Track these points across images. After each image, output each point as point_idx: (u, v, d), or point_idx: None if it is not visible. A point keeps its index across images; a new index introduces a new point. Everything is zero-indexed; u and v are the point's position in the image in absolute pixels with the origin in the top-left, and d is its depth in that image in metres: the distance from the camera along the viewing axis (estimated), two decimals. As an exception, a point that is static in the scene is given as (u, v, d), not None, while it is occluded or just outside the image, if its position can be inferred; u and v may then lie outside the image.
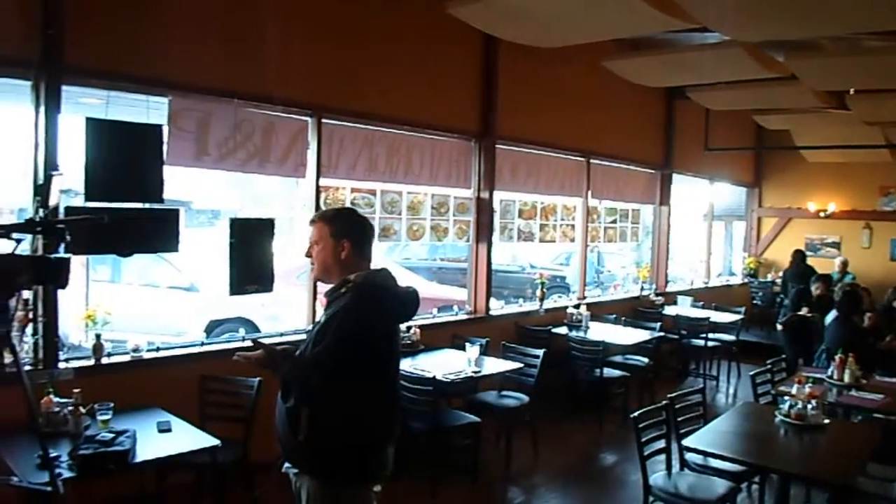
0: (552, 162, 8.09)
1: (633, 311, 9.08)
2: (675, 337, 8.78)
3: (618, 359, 7.46)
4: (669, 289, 10.44)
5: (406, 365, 5.36)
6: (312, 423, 2.63)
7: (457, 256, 12.36)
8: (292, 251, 7.55)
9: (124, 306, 6.30)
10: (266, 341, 2.80)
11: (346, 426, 2.64)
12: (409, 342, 5.99)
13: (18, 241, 2.67)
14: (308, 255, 2.89)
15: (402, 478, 4.78)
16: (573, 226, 8.65)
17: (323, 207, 5.60)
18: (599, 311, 8.30)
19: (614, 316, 8.25)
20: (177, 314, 7.90)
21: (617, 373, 7.08)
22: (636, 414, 4.27)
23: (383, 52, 6.01)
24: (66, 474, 3.18)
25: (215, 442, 3.75)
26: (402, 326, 5.93)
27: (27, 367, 4.02)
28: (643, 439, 4.24)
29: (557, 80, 7.73)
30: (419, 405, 5.04)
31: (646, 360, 7.51)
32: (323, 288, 5.52)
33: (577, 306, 8.00)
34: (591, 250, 10.88)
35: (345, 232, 2.80)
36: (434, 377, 5.03)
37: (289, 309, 6.95)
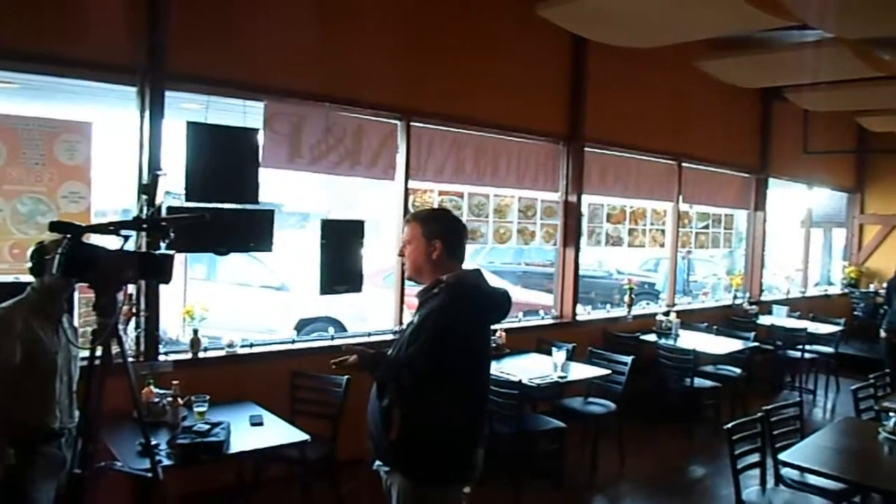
0: (642, 165, 7.92)
1: (726, 319, 8.79)
2: (770, 348, 8.44)
3: (709, 369, 7.22)
4: (764, 298, 10.05)
5: (492, 368, 5.32)
6: (404, 423, 2.65)
7: (542, 261, 12.27)
8: (379, 254, 7.67)
9: (219, 304, 6.53)
10: (353, 341, 2.84)
11: (437, 426, 2.65)
12: (494, 346, 5.97)
13: (126, 237, 2.80)
14: (401, 253, 2.91)
15: (486, 481, 4.76)
16: (663, 231, 8.44)
17: (412, 210, 5.66)
18: (689, 319, 8.06)
19: (705, 324, 8.00)
20: (268, 313, 8.12)
21: (708, 383, 6.85)
22: (730, 425, 4.11)
23: (471, 55, 6.02)
24: (165, 462, 3.31)
25: (305, 437, 3.83)
26: (488, 329, 5.96)
27: (130, 360, 4.21)
28: (736, 452, 4.08)
29: (648, 82, 7.57)
30: (504, 409, 5.01)
31: (738, 370, 7.25)
32: (410, 290, 5.64)
33: (666, 313, 7.80)
34: (681, 257, 10.62)
35: (437, 232, 2.81)
36: (520, 381, 4.99)
37: (376, 310, 7.04)
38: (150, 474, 2.99)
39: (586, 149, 7.09)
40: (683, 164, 8.42)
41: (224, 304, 7.44)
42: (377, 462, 2.83)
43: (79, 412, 3.07)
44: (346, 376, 4.56)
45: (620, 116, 7.40)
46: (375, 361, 2.72)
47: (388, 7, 5.45)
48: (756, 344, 7.56)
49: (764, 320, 8.93)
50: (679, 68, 7.52)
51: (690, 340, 7.19)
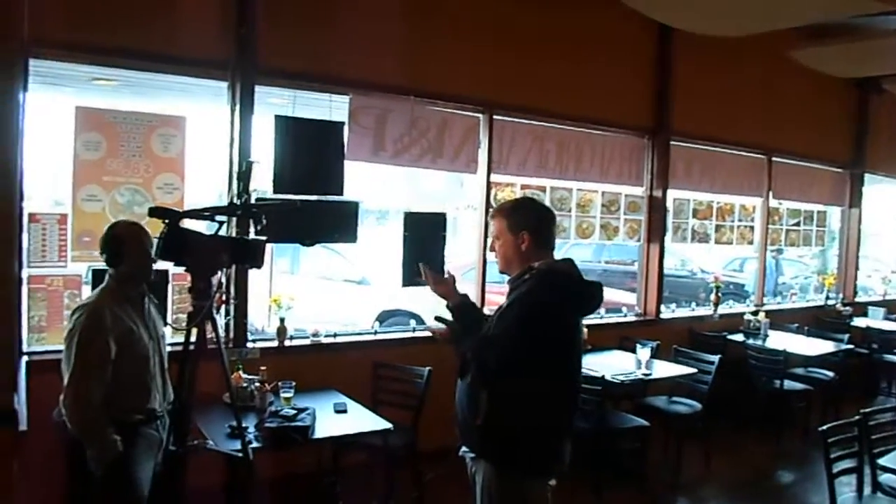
0: (730, 159, 7.67)
1: (817, 321, 8.39)
2: (865, 351, 8.04)
3: (799, 371, 6.94)
4: (858, 299, 9.58)
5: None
6: (491, 408, 2.62)
7: (622, 259, 12.03)
8: (460, 250, 7.69)
9: (302, 297, 6.67)
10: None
11: (523, 413, 2.61)
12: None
13: (221, 223, 2.88)
14: (492, 248, 2.90)
15: (566, 477, 4.74)
16: (752, 227, 8.15)
17: (494, 204, 5.64)
18: (778, 320, 7.73)
19: (795, 325, 7.68)
20: (349, 306, 8.25)
21: (798, 386, 6.58)
22: (824, 428, 3.93)
23: (554, 47, 5.95)
24: (254, 444, 3.39)
25: (387, 425, 3.87)
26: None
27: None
28: (831, 456, 3.89)
29: (736, 73, 7.32)
30: (585, 405, 4.93)
31: (830, 374, 6.94)
32: (490, 287, 5.63)
33: (754, 313, 7.53)
34: (771, 257, 10.24)
35: (523, 224, 2.77)
36: (603, 377, 4.91)
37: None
38: (240, 454, 3.07)
39: (672, 142, 6.91)
40: (773, 159, 8.11)
41: (307, 296, 7.59)
42: (463, 448, 2.82)
43: (173, 392, 3.18)
44: (427, 367, 4.59)
45: (708, 109, 7.17)
46: (462, 337, 2.71)
47: (471, 2, 5.45)
48: (850, 346, 7.21)
49: (858, 322, 8.51)
50: (769, 58, 7.23)
51: (780, 341, 6.91)
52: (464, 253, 7.15)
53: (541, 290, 2.65)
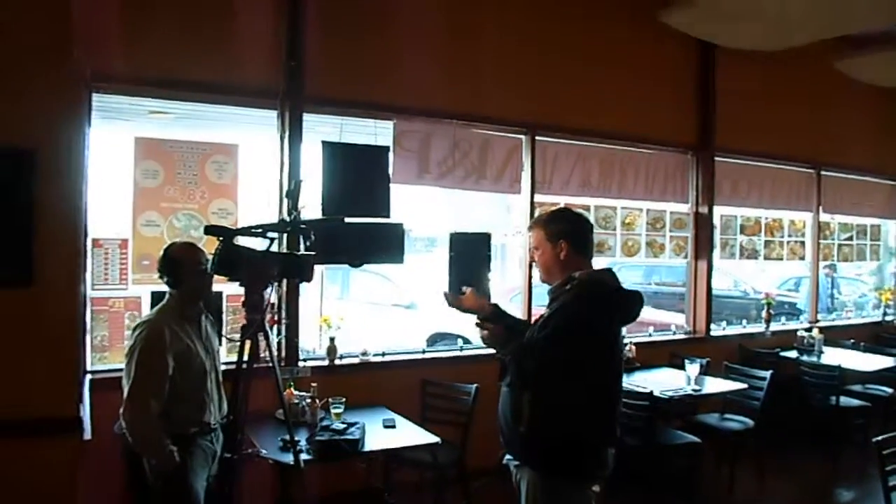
0: (777, 174, 7.59)
1: (875, 337, 8.18)
2: (927, 368, 7.80)
3: (857, 388, 6.78)
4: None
5: (623, 381, 5.24)
6: (534, 415, 2.67)
7: (673, 280, 11.90)
8: (508, 274, 7.74)
9: (352, 321, 6.80)
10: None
11: (565, 420, 2.65)
12: (624, 359, 5.85)
13: (272, 240, 3.02)
14: (532, 260, 2.97)
15: (617, 495, 4.71)
16: (802, 242, 8.02)
17: (537, 222, 5.70)
18: (833, 336, 7.57)
19: (851, 341, 7.50)
20: (399, 330, 8.34)
21: (855, 402, 6.42)
22: (879, 438, 3.85)
23: (595, 67, 6.01)
24: (305, 457, 3.49)
25: (435, 439, 3.94)
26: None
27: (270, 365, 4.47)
28: (888, 468, 3.81)
29: (780, 87, 7.25)
30: (635, 421, 4.91)
31: (890, 390, 6.76)
32: (536, 310, 5.66)
33: (808, 329, 7.39)
34: (824, 275, 10.02)
35: (561, 233, 2.84)
36: (651, 392, 4.89)
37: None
38: (292, 461, 3.17)
39: (717, 158, 6.88)
40: (823, 172, 7.99)
41: (356, 320, 7.73)
42: (507, 456, 2.86)
43: (227, 405, 3.31)
44: (474, 385, 4.64)
45: (753, 124, 7.12)
46: (507, 340, 2.77)
47: (510, 24, 5.56)
48: (910, 361, 7.01)
49: (919, 338, 8.27)
50: (815, 71, 7.17)
51: (835, 357, 6.76)
52: (512, 278, 7.20)
53: (582, 299, 2.70)
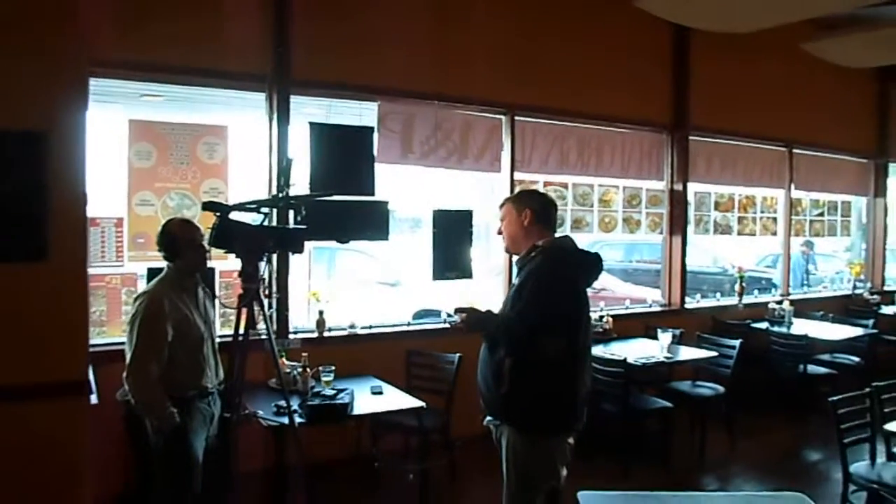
0: (750, 152, 7.85)
1: (845, 309, 8.51)
2: (894, 339, 8.13)
3: (825, 357, 7.08)
4: (889, 288, 9.64)
5: (598, 351, 5.50)
6: (513, 377, 2.91)
7: (653, 258, 12.17)
8: (492, 252, 7.94)
9: (339, 298, 7.01)
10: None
11: (543, 378, 2.90)
12: (601, 330, 6.13)
13: (266, 214, 3.23)
14: (499, 232, 3.20)
15: (594, 458, 4.98)
16: (775, 219, 8.31)
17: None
18: (805, 308, 7.87)
19: (820, 313, 7.81)
20: (385, 306, 8.56)
21: (823, 370, 6.73)
22: (835, 399, 4.14)
23: (572, 49, 6.22)
24: (299, 420, 3.71)
25: (420, 404, 4.17)
26: (595, 315, 6.14)
27: (263, 337, 4.68)
28: (843, 426, 4.09)
29: (753, 68, 7.49)
30: (611, 388, 5.18)
31: (857, 359, 7.07)
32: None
33: (779, 301, 7.68)
34: (801, 254, 10.32)
35: (526, 203, 3.11)
36: (625, 359, 5.15)
37: (487, 303, 7.29)
38: (286, 420, 3.39)
39: (691, 137, 7.13)
40: (794, 150, 8.26)
41: (344, 298, 7.93)
42: (488, 417, 3.11)
43: (223, 371, 3.54)
44: (457, 354, 4.87)
45: (726, 103, 7.36)
46: (485, 320, 3.01)
47: (491, 9, 5.73)
48: (875, 331, 7.33)
49: (887, 310, 8.59)
50: (785, 51, 7.32)
51: (804, 328, 7.06)
52: (496, 255, 7.40)
53: (549, 264, 2.96)
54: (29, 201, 2.82)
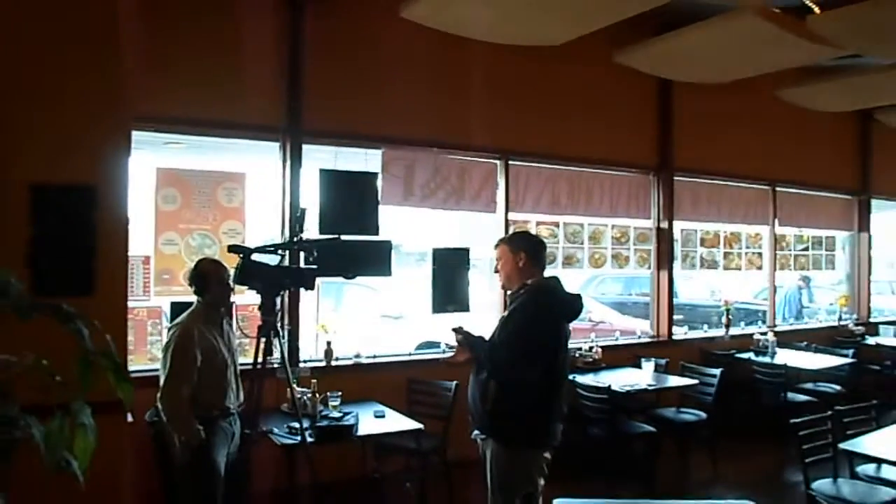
0: (734, 191, 8.29)
1: (830, 340, 8.84)
2: (877, 368, 8.49)
3: (808, 386, 7.44)
4: (874, 319, 10.01)
5: (587, 379, 5.92)
6: (497, 396, 3.35)
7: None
8: (492, 287, 8.36)
9: (345, 330, 7.43)
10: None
11: (523, 399, 3.33)
12: (590, 360, 6.53)
13: (282, 256, 3.69)
14: (496, 270, 3.65)
15: (580, 481, 5.35)
16: (760, 254, 8.72)
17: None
18: (792, 339, 8.23)
19: (805, 343, 8.18)
20: (388, 337, 8.96)
21: (803, 398, 7.09)
22: (797, 420, 4.53)
23: (562, 98, 6.72)
24: (309, 439, 4.12)
25: (419, 426, 4.59)
26: (585, 346, 6.56)
27: (276, 365, 5.10)
28: (804, 447, 4.47)
29: (735, 111, 7.89)
30: (597, 413, 5.57)
31: (838, 387, 7.43)
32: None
33: (764, 333, 8.07)
34: (798, 287, 10.73)
35: (521, 247, 3.56)
36: (609, 387, 5.55)
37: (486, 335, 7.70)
38: (298, 439, 3.82)
39: (676, 178, 7.59)
40: (778, 189, 8.69)
41: (349, 330, 8.35)
42: (475, 431, 3.53)
43: (243, 394, 3.97)
44: (454, 382, 5.27)
45: (709, 145, 7.80)
46: (476, 344, 3.46)
47: (486, 63, 6.17)
48: (855, 360, 7.67)
49: (871, 341, 8.94)
50: (765, 96, 7.74)
51: (787, 358, 7.40)
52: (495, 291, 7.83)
53: (533, 301, 3.41)
54: (79, 244, 3.30)
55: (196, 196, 5.16)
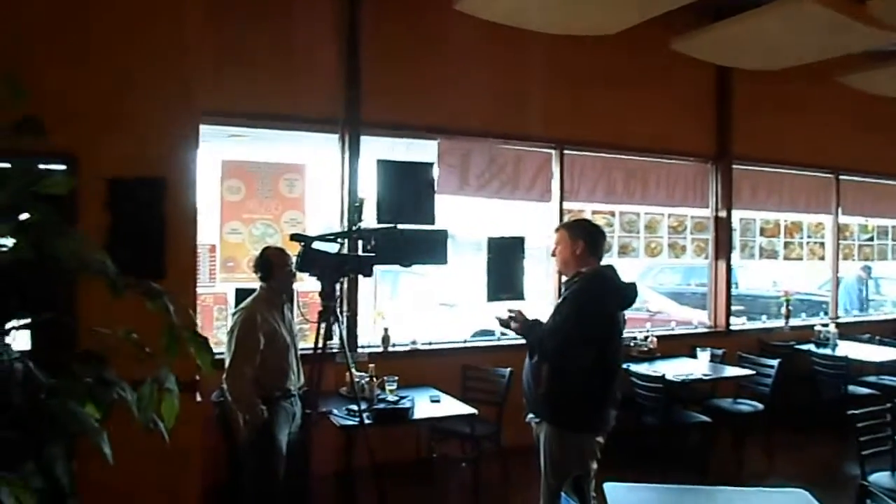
0: (795, 180, 8.13)
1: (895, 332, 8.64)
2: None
3: (871, 379, 7.28)
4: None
5: (642, 368, 5.93)
6: (551, 380, 3.42)
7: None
8: (545, 274, 8.41)
9: (401, 316, 7.58)
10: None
11: (576, 384, 3.39)
12: (645, 349, 6.53)
13: (342, 244, 3.83)
14: (553, 254, 3.71)
15: (634, 468, 5.37)
16: (822, 244, 8.54)
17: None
18: (856, 331, 8.07)
19: (867, 335, 8.00)
20: (444, 325, 9.09)
21: (864, 391, 6.94)
22: (856, 412, 4.47)
23: (617, 88, 6.67)
24: (367, 421, 4.27)
25: (473, 411, 4.69)
26: (640, 335, 6.57)
27: (335, 350, 5.26)
28: (862, 439, 4.42)
29: (795, 98, 7.71)
30: (652, 401, 5.58)
31: (902, 379, 7.26)
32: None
33: (825, 324, 7.92)
34: (859, 278, 10.45)
35: (580, 234, 3.60)
36: (664, 376, 5.56)
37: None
38: (357, 421, 3.97)
39: (735, 166, 7.49)
40: (841, 177, 8.49)
41: (405, 317, 8.51)
42: (530, 415, 3.61)
43: (304, 377, 4.15)
44: (509, 368, 5.35)
45: (769, 133, 7.66)
46: (530, 327, 3.54)
47: (542, 50, 6.20)
48: (922, 353, 7.47)
49: (942, 333, 8.67)
50: (827, 82, 7.43)
51: (849, 350, 7.27)
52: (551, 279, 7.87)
53: (586, 289, 3.47)
54: (151, 232, 3.49)
55: (259, 187, 5.35)
